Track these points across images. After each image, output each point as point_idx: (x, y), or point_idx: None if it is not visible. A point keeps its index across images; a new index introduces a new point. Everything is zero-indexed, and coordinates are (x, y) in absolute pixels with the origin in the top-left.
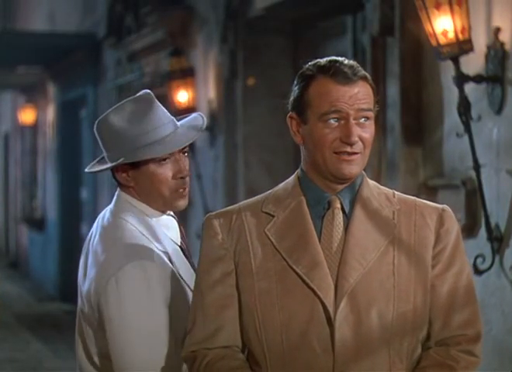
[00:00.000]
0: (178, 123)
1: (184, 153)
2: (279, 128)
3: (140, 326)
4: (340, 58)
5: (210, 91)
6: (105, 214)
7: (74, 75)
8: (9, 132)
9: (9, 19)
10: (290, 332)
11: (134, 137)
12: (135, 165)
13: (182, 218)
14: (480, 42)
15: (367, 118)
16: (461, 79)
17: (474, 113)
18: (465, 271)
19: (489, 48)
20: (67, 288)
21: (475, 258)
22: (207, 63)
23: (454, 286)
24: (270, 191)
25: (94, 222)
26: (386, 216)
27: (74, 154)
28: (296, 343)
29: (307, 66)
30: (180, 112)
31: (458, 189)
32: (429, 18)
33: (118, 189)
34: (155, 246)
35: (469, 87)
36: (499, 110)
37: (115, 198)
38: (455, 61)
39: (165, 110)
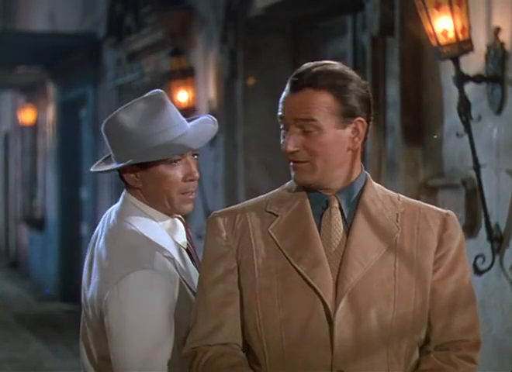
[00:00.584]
0: (189, 124)
1: (194, 155)
2: (279, 128)
3: (141, 335)
4: (310, 65)
5: (210, 91)
6: (110, 214)
7: (74, 75)
8: (9, 132)
9: (9, 19)
10: (290, 329)
11: (145, 138)
12: (144, 166)
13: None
14: (480, 42)
15: (314, 127)
16: (461, 79)
17: (474, 113)
18: (466, 277)
19: (489, 48)
20: (67, 288)
21: (475, 258)
22: (207, 63)
23: (456, 291)
24: (274, 191)
25: (94, 222)
26: (389, 218)
27: (74, 154)
28: (296, 340)
29: None
30: (180, 112)
31: (458, 189)
32: (429, 18)
33: (124, 190)
34: (160, 253)
35: (469, 87)
36: (499, 110)
37: (121, 199)
38: (455, 61)
39: (176, 110)
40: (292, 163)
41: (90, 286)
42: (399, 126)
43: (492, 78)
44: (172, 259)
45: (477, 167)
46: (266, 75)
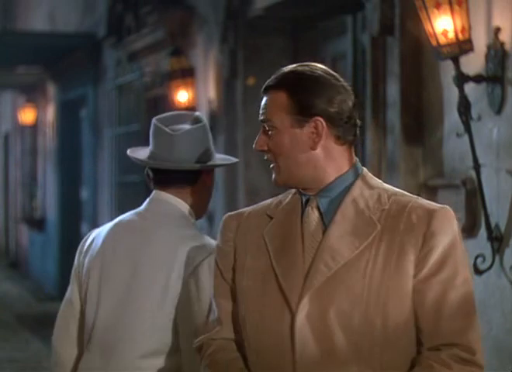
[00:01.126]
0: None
1: None
2: None
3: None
4: (289, 67)
5: (210, 90)
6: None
7: (74, 75)
8: (9, 132)
9: (9, 19)
10: (262, 332)
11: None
12: (212, 171)
13: None
14: (480, 42)
15: (272, 127)
16: (461, 79)
17: (474, 113)
18: (457, 278)
19: (489, 48)
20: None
21: (475, 258)
22: (207, 63)
23: (443, 293)
24: (282, 194)
25: (94, 222)
26: (369, 218)
27: (74, 154)
28: (266, 344)
29: None
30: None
31: (459, 189)
32: (429, 18)
33: (163, 191)
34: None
35: (469, 87)
36: (499, 110)
37: (168, 200)
38: (455, 61)
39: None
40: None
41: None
42: (399, 126)
43: (492, 78)
44: None
45: (477, 166)
46: (266, 75)
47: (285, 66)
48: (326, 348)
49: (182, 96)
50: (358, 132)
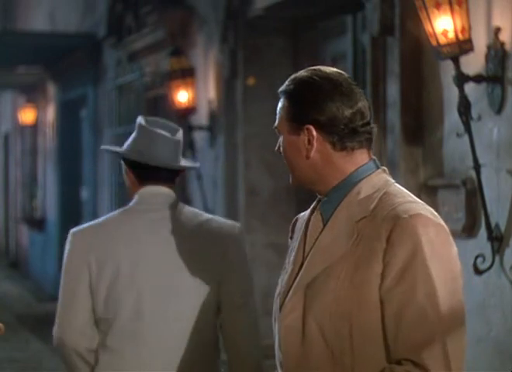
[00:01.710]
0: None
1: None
2: None
3: None
4: (299, 72)
5: (210, 90)
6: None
7: (74, 75)
8: (9, 132)
9: (9, 19)
10: (274, 323)
11: None
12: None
13: None
14: (480, 42)
15: (278, 132)
16: (461, 79)
17: (474, 113)
18: (416, 293)
19: (489, 48)
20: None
21: (475, 258)
22: (207, 63)
23: (399, 307)
24: None
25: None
26: (351, 226)
27: (74, 154)
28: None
29: None
30: (180, 112)
31: (459, 189)
32: (429, 18)
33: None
34: None
35: (469, 87)
36: (499, 110)
37: (170, 195)
38: (455, 61)
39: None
40: None
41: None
42: (399, 126)
43: (492, 78)
44: None
45: (477, 166)
46: (266, 75)
47: (285, 66)
48: (305, 352)
49: (182, 96)
50: (368, 135)
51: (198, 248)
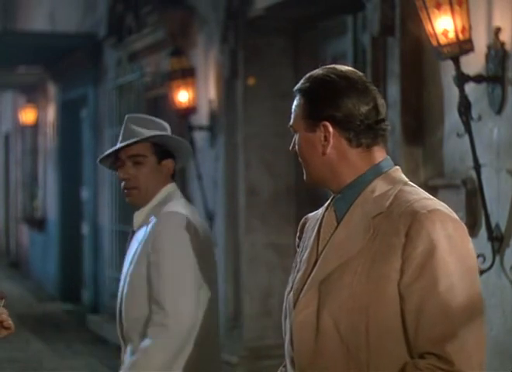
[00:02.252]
0: None
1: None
2: (280, 128)
3: None
4: (313, 71)
5: (211, 90)
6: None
7: (75, 75)
8: (10, 132)
9: (9, 19)
10: (284, 326)
11: None
12: None
13: None
14: (480, 42)
15: (293, 130)
16: (461, 79)
17: (474, 113)
18: (437, 286)
19: (489, 48)
20: (67, 288)
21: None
22: (207, 63)
23: (420, 301)
24: None
25: (94, 222)
26: (367, 222)
27: (74, 154)
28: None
29: None
30: (180, 112)
31: (459, 189)
32: (429, 18)
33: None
34: None
35: (470, 87)
36: (499, 110)
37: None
38: (456, 61)
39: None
40: None
41: None
42: (400, 126)
43: (492, 78)
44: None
45: (477, 166)
46: (266, 75)
47: (285, 66)
48: (319, 348)
49: (182, 96)
50: (382, 132)
51: None
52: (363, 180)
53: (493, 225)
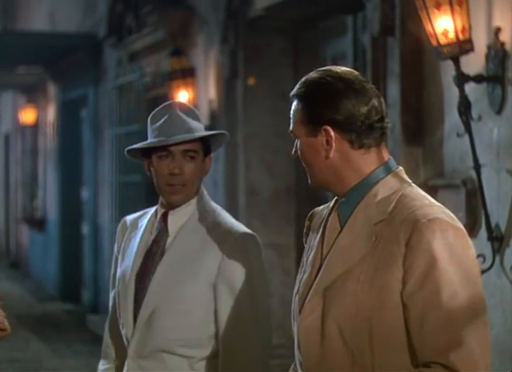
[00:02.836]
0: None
1: (187, 152)
2: (280, 128)
3: None
4: (308, 74)
5: (211, 91)
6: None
7: (75, 75)
8: (10, 132)
9: (9, 19)
10: (293, 322)
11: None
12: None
13: None
14: (481, 42)
15: (294, 135)
16: (461, 79)
17: (474, 113)
18: (440, 295)
19: (489, 48)
20: (67, 288)
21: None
22: (207, 63)
23: (423, 311)
24: None
25: (94, 222)
26: (370, 228)
27: (74, 154)
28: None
29: None
30: None
31: (459, 189)
32: (429, 18)
33: None
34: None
35: (470, 87)
36: (499, 110)
37: None
38: (456, 61)
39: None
40: None
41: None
42: (400, 126)
43: (492, 78)
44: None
45: (477, 166)
46: (266, 75)
47: (285, 66)
48: (325, 352)
49: (183, 96)
50: (384, 130)
51: None
52: (366, 183)
53: (493, 225)
